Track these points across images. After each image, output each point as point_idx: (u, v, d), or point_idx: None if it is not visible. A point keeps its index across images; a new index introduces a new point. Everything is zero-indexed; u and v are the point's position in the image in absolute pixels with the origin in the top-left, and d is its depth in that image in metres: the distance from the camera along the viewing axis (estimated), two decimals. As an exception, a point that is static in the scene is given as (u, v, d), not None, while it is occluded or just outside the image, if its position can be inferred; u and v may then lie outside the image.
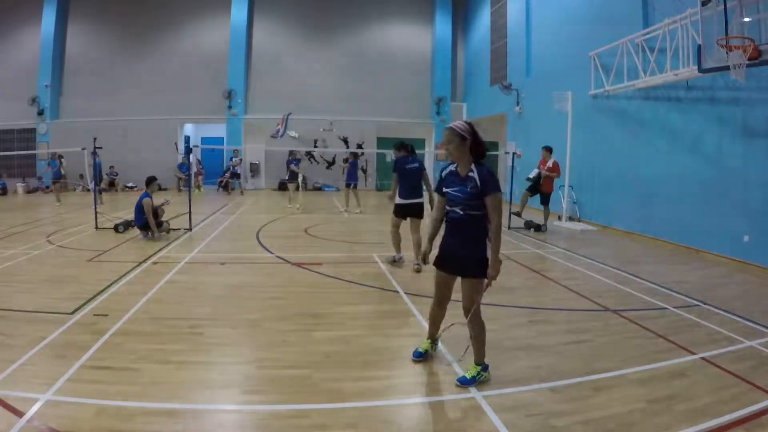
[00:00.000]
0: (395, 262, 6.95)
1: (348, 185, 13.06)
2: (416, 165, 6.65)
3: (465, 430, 2.85)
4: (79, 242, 8.28)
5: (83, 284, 5.61)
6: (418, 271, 6.50)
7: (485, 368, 3.41)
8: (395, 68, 20.98)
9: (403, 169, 6.60)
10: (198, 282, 5.95)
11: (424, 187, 6.72)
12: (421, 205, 6.67)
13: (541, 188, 10.34)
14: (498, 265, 3.25)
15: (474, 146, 3.32)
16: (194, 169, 18.37)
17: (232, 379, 3.45)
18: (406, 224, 6.83)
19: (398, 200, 6.70)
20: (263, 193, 19.30)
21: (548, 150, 10.37)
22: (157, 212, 8.69)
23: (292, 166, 13.47)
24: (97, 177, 13.99)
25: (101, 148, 9.85)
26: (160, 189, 10.67)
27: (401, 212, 6.73)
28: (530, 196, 10.55)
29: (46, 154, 18.76)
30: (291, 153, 14.26)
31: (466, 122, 3.41)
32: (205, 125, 21.08)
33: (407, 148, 6.82)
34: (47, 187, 18.12)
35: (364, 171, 17.33)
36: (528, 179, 10.53)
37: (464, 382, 3.34)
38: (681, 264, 7.57)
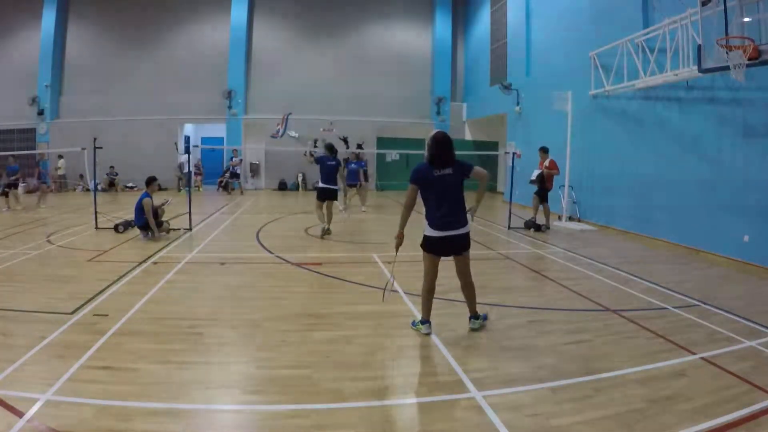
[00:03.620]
0: (325, 230, 9.05)
1: (352, 185, 13.10)
2: (334, 163, 9.15)
3: (465, 430, 2.85)
4: (79, 242, 8.28)
5: (83, 284, 5.61)
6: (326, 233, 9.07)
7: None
8: (395, 68, 20.99)
9: (324, 164, 9.04)
10: (198, 282, 5.95)
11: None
12: (335, 191, 9.20)
13: (543, 185, 10.35)
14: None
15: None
16: (185, 169, 18.14)
17: (232, 379, 3.45)
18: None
19: (319, 185, 9.15)
20: (263, 193, 19.31)
21: (544, 150, 10.45)
22: (157, 212, 8.71)
23: (361, 168, 13.23)
24: (44, 179, 13.97)
25: (101, 147, 9.84)
26: (160, 189, 10.67)
27: (321, 195, 9.11)
28: (542, 202, 10.38)
29: (46, 154, 18.78)
30: (358, 155, 14.16)
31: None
32: (205, 125, 21.08)
33: (333, 150, 9.30)
34: (48, 186, 18.08)
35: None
36: (531, 181, 10.52)
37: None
38: (681, 264, 7.57)
